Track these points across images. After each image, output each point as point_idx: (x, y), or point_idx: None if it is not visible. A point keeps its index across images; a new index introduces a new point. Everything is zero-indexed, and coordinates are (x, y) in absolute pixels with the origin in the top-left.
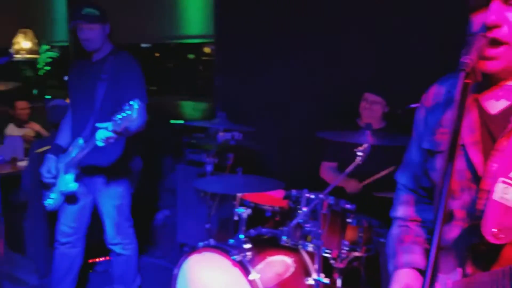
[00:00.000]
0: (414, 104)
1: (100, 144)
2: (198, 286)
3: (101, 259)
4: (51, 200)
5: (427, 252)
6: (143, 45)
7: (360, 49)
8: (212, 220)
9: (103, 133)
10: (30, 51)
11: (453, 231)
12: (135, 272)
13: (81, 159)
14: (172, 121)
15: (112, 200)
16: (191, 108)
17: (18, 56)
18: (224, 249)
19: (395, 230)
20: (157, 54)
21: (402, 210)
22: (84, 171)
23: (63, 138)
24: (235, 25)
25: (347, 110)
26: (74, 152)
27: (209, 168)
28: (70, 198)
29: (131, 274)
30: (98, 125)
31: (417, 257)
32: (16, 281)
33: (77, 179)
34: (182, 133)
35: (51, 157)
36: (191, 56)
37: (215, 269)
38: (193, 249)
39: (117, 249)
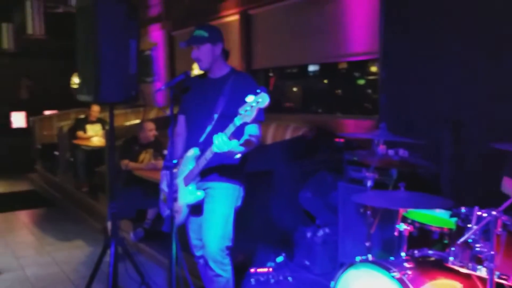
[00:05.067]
0: None
1: (216, 149)
2: None
3: (262, 270)
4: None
5: None
6: (311, 67)
7: None
8: (373, 238)
9: (222, 139)
10: None
11: None
12: None
13: (202, 169)
14: (335, 139)
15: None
16: (354, 126)
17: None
18: (382, 265)
19: None
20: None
21: None
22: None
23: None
24: (401, 41)
25: None
26: (190, 164)
27: (369, 183)
28: (195, 208)
29: None
30: (227, 130)
31: None
32: None
33: (198, 188)
34: (344, 150)
35: (166, 173)
36: (360, 80)
37: (373, 286)
38: (351, 264)
39: (215, 267)
